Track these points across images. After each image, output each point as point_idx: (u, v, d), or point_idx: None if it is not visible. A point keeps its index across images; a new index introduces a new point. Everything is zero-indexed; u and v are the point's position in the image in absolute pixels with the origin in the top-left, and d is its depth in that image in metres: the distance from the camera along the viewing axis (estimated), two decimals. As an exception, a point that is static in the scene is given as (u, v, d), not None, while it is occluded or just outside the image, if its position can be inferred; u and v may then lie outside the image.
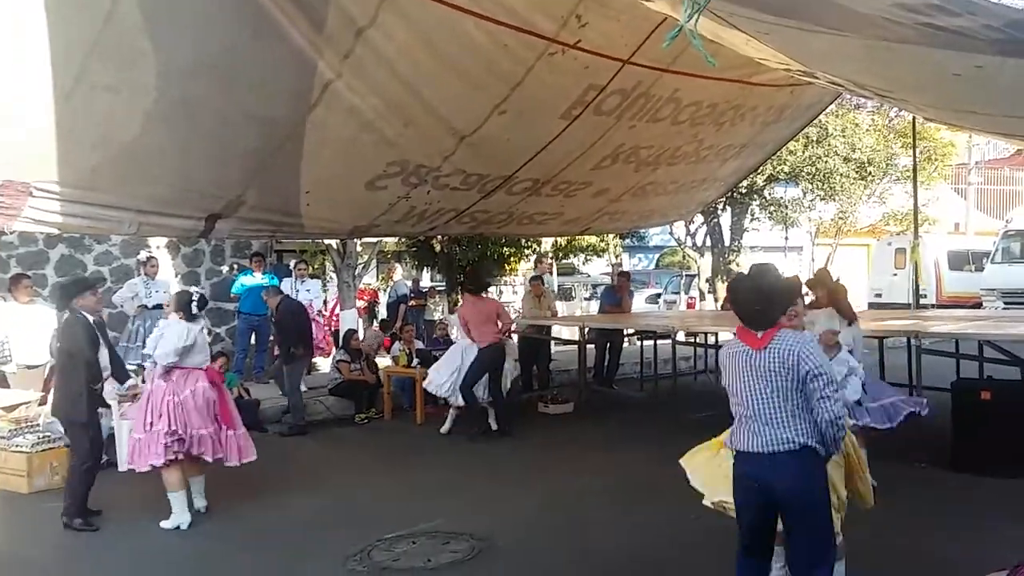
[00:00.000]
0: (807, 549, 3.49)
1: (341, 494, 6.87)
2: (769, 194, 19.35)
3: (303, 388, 10.55)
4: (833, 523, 3.65)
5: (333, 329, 12.58)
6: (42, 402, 7.73)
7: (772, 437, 3.46)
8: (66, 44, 5.23)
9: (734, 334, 3.73)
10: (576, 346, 11.03)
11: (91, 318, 6.15)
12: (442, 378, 8.96)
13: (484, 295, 9.78)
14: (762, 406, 3.50)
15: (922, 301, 15.83)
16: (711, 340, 12.38)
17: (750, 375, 3.54)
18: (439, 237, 14.72)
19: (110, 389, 6.30)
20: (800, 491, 3.44)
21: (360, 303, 13.57)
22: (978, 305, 17.60)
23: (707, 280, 19.66)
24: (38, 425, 7.39)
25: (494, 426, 9.02)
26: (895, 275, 20.75)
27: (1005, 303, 17.12)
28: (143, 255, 10.78)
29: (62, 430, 7.22)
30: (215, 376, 6.35)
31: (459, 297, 16.36)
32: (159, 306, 10.09)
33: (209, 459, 6.15)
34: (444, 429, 9.05)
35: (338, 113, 6.54)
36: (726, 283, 15.19)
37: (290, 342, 9.38)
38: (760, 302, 3.62)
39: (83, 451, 6.06)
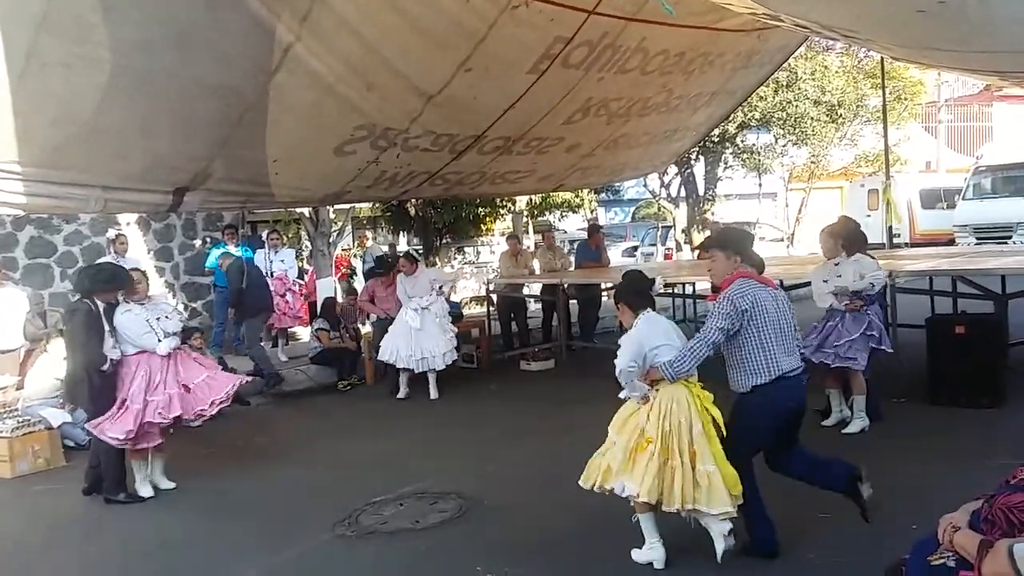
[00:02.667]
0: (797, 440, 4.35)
1: (327, 461, 6.89)
2: (741, 141, 19.36)
3: (283, 358, 10.59)
4: None
5: (311, 300, 12.49)
6: (19, 386, 7.67)
7: (799, 359, 4.22)
8: (14, 21, 5.09)
9: (748, 280, 4.17)
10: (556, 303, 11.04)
11: (101, 305, 6.03)
12: (396, 347, 9.03)
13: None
14: (792, 337, 4.16)
15: (896, 240, 15.97)
16: (688, 290, 12.45)
17: (782, 311, 4.14)
18: (413, 201, 14.61)
19: None
20: None
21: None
22: (951, 242, 17.79)
23: (683, 231, 19.71)
24: (17, 410, 7.33)
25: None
26: (868, 216, 20.86)
27: (977, 238, 17.32)
28: (111, 233, 10.63)
29: (41, 414, 7.19)
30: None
31: (436, 259, 16.38)
32: (132, 283, 10.00)
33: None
34: (402, 395, 9.11)
35: (300, 78, 6.41)
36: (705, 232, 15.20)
37: (231, 298, 9.75)
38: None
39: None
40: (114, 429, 5.88)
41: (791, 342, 4.16)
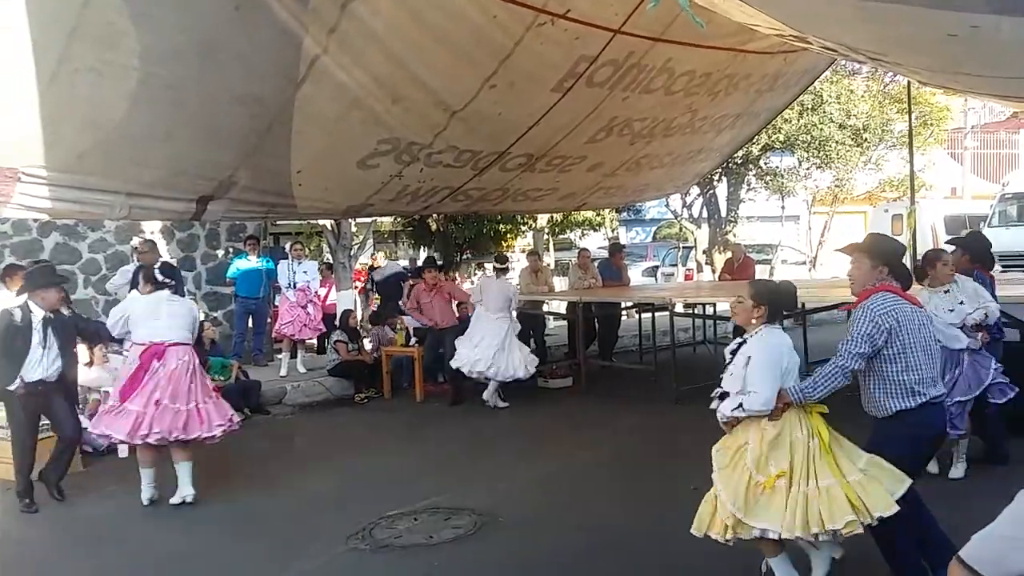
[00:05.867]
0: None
1: (342, 473, 6.87)
2: (765, 164, 19.25)
3: (302, 370, 10.59)
4: None
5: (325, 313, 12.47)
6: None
7: (943, 387, 3.98)
8: (47, 28, 5.15)
9: (891, 295, 3.80)
10: (574, 320, 11.01)
11: (42, 314, 6.02)
12: (474, 355, 9.09)
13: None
14: (939, 363, 3.90)
15: (921, 266, 15.77)
16: (709, 311, 12.37)
17: (929, 334, 3.83)
18: (434, 216, 14.64)
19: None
20: None
21: (358, 284, 13.53)
22: (977, 269, 17.55)
23: (704, 252, 19.60)
24: (36, 414, 7.34)
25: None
26: (892, 241, 20.66)
27: (1003, 266, 17.06)
28: (135, 241, 10.70)
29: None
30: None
31: (455, 274, 16.37)
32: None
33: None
34: (498, 404, 9.23)
35: (326, 90, 6.45)
36: (727, 255, 15.13)
37: None
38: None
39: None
40: (113, 426, 5.88)
41: (937, 368, 3.85)
